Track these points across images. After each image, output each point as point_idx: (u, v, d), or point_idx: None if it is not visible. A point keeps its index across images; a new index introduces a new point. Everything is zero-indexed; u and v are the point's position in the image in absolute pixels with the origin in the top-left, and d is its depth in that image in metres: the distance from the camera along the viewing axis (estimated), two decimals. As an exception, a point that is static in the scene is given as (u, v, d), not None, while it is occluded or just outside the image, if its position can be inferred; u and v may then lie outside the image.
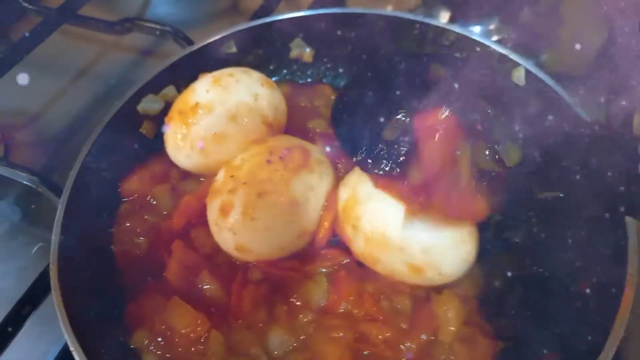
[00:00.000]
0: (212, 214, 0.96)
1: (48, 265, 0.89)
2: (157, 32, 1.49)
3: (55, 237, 0.91)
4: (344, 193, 0.97)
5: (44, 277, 1.04)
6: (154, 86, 1.15)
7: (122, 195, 1.09)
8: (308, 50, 1.26)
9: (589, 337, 0.79)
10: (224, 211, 0.92)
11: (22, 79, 1.15)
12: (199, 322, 0.88)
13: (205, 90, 1.05)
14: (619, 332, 0.77)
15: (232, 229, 0.92)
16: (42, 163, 1.33)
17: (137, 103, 1.13)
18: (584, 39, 1.50)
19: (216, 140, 1.02)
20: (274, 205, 0.91)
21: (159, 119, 1.14)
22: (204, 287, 0.94)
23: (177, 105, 1.08)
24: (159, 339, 0.90)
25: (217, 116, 1.02)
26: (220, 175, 0.98)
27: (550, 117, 1.04)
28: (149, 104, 1.13)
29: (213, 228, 0.97)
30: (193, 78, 1.13)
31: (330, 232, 0.98)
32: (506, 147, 0.95)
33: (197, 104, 1.03)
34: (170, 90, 1.17)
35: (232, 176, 0.94)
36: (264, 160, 0.94)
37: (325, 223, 0.97)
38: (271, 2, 1.56)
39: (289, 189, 0.92)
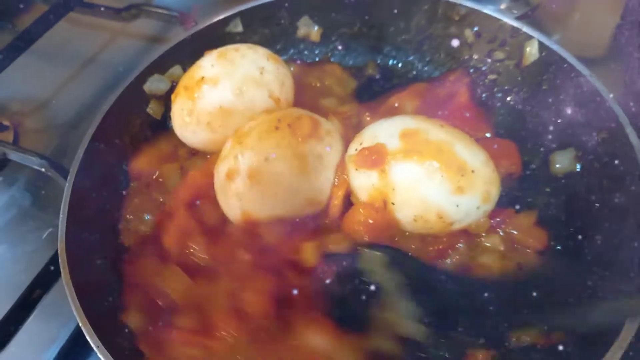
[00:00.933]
0: (219, 181, 0.95)
1: (58, 248, 0.88)
2: (164, 17, 1.48)
3: (63, 215, 0.91)
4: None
5: (54, 261, 1.04)
6: (160, 66, 1.14)
7: (130, 174, 1.09)
8: (316, 28, 1.24)
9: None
10: (230, 176, 0.91)
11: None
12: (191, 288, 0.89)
13: (210, 64, 1.03)
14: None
15: (238, 195, 0.91)
16: (51, 149, 1.33)
17: (144, 83, 1.12)
18: (598, 19, 1.48)
19: (222, 115, 1.01)
20: (281, 171, 0.90)
21: (166, 99, 1.14)
22: (198, 255, 0.94)
23: (183, 81, 1.07)
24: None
25: (223, 90, 1.00)
26: (229, 143, 0.97)
27: (567, 91, 1.02)
28: (155, 84, 1.13)
29: (220, 196, 0.96)
30: (199, 57, 1.12)
31: (341, 208, 0.96)
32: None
33: (202, 78, 1.02)
34: (176, 70, 1.16)
35: (240, 143, 0.94)
36: (272, 126, 0.93)
37: (336, 201, 0.95)
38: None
39: (297, 156, 0.90)
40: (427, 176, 0.87)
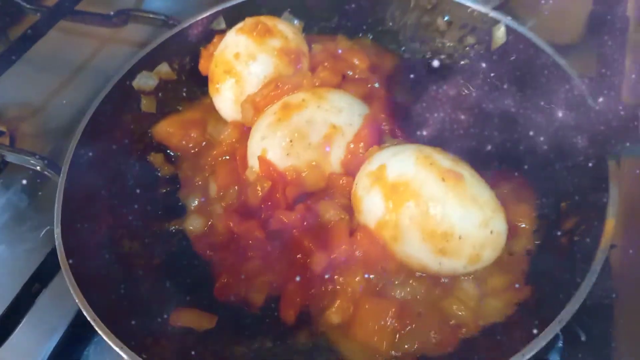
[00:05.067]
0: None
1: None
2: (152, 21, 1.52)
3: (58, 204, 0.94)
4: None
5: (52, 256, 1.07)
6: (148, 63, 1.19)
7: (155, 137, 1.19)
8: (296, 22, 1.29)
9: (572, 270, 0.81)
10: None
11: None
12: None
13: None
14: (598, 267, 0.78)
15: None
16: (46, 152, 1.35)
17: (132, 80, 1.17)
18: (571, 6, 1.53)
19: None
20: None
21: (156, 94, 1.19)
22: None
23: (218, 68, 1.13)
24: None
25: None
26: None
27: (533, 69, 1.07)
28: (144, 80, 1.17)
29: None
30: (185, 55, 1.17)
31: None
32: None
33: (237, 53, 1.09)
34: (163, 67, 1.21)
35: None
36: None
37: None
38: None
39: None
40: (408, 236, 0.84)
